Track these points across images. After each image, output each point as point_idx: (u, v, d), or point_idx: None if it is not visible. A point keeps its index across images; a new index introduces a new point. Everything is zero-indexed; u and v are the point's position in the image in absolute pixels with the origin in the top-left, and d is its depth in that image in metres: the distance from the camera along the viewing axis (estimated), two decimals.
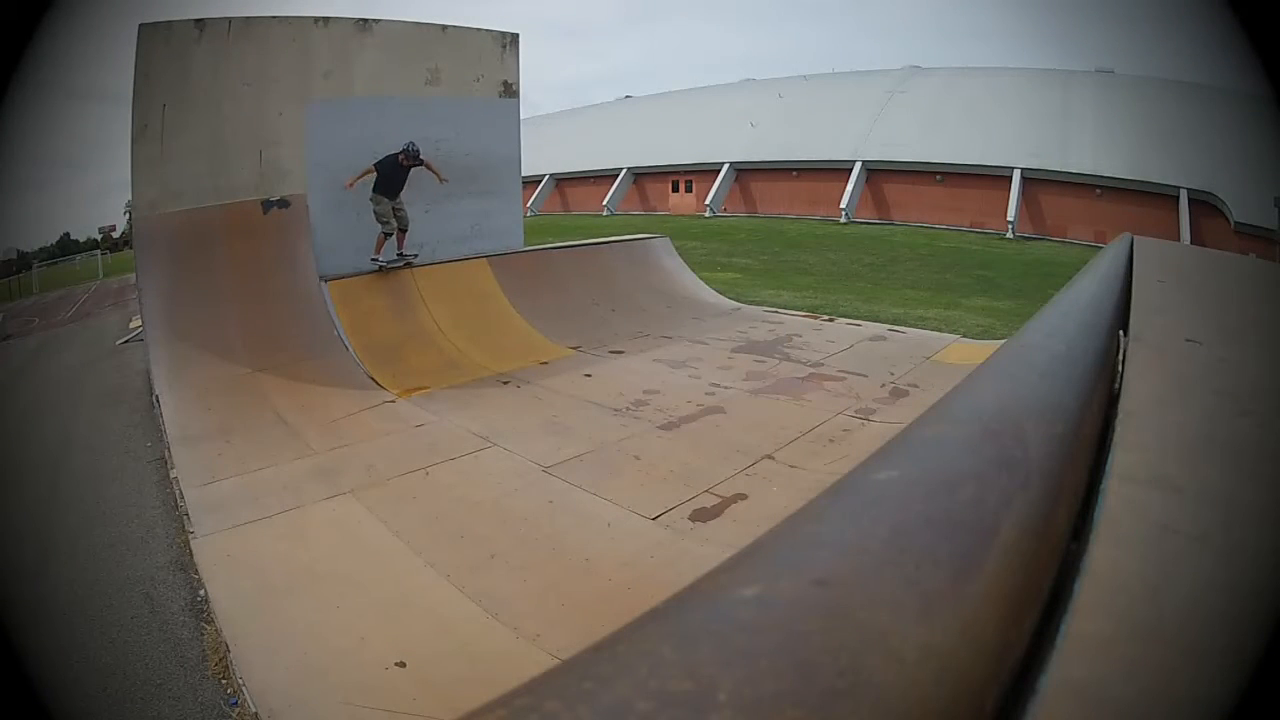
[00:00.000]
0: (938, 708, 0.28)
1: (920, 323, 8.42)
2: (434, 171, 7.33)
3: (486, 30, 8.74)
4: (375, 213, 7.05)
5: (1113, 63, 25.36)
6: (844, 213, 21.90)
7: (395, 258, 7.31)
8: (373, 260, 7.19)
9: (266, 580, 3.02)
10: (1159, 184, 19.32)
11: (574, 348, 6.92)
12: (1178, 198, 18.89)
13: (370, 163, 6.95)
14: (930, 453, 0.52)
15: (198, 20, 6.50)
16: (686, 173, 26.88)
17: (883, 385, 5.56)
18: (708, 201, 24.94)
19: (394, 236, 7.32)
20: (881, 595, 0.33)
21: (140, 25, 6.23)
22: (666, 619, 0.31)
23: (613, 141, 29.40)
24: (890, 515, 0.41)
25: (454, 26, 8.40)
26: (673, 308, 8.58)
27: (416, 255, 7.43)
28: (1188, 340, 1.04)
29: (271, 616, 2.76)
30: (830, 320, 8.36)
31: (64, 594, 3.09)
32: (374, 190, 7.03)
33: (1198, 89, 21.15)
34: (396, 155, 6.97)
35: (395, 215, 7.19)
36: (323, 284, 6.79)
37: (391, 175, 7.05)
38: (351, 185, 6.88)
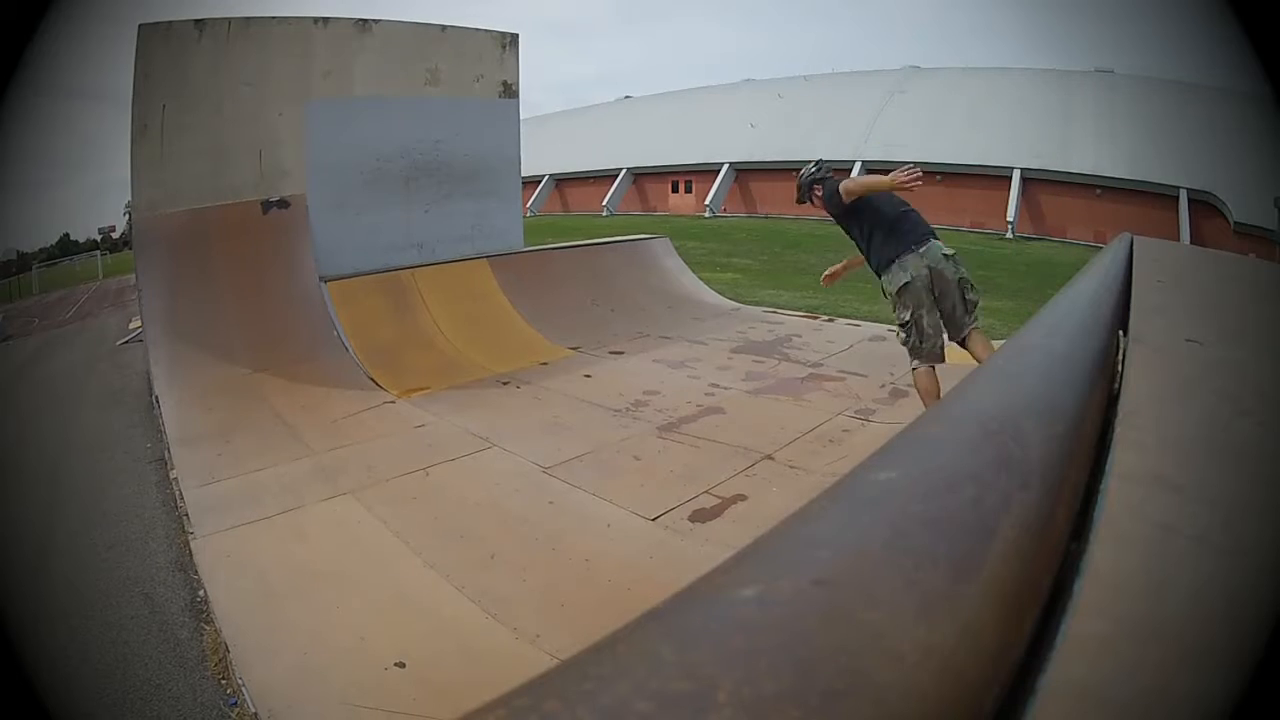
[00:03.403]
0: (938, 708, 0.28)
1: None
2: None
3: (486, 30, 8.74)
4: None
5: (1113, 63, 25.39)
6: None
7: None
8: None
9: (266, 580, 3.02)
10: (1159, 184, 19.34)
11: (574, 348, 6.92)
12: (1178, 198, 18.91)
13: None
14: (930, 453, 0.52)
15: (198, 20, 6.50)
16: (686, 173, 26.90)
17: (882, 385, 5.56)
18: (707, 202, 24.95)
19: None
20: (881, 595, 0.33)
21: (140, 25, 6.23)
22: (666, 619, 0.31)
23: (612, 141, 29.41)
24: (890, 515, 0.41)
25: (453, 27, 8.40)
26: (673, 308, 8.58)
27: None
28: (1188, 340, 1.04)
29: (271, 616, 2.76)
30: (830, 320, 8.36)
31: (64, 594, 3.09)
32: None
33: (1198, 89, 21.16)
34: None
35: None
36: (322, 284, 6.79)
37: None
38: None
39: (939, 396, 3.35)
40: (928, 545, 0.37)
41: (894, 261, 3.29)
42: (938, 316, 3.32)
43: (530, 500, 3.70)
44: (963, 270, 3.31)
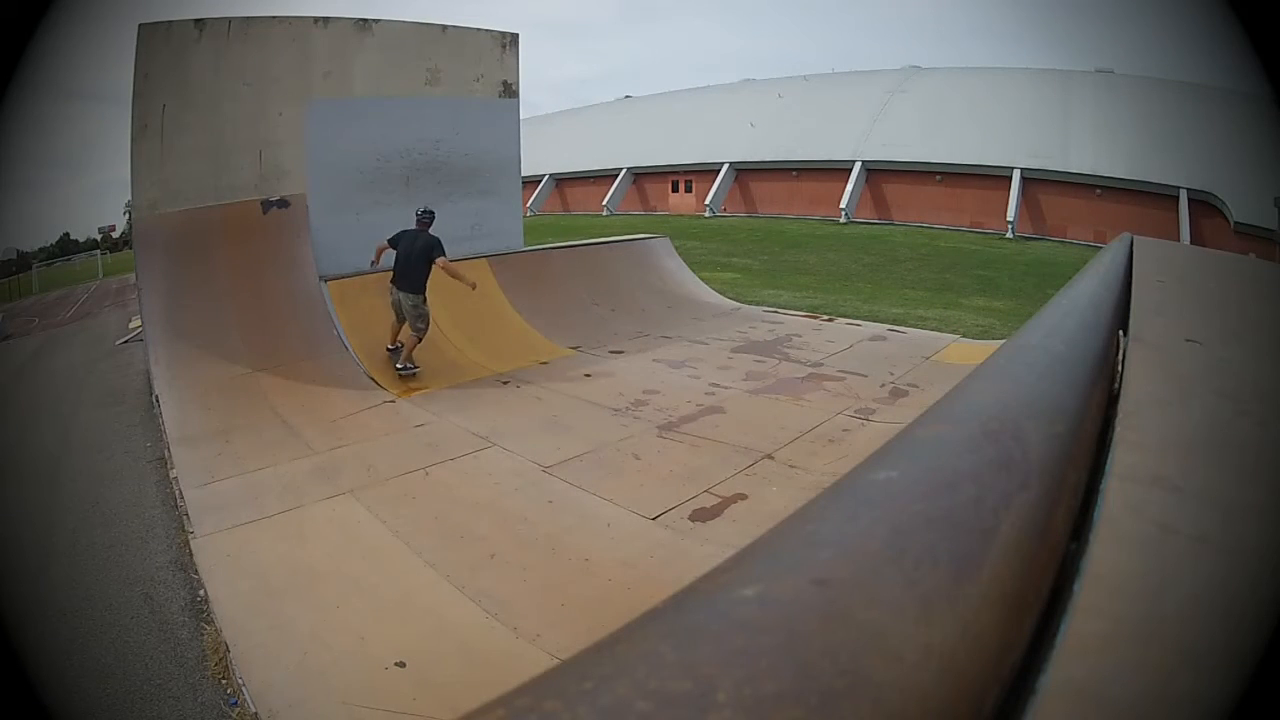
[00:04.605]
0: (938, 708, 0.28)
1: (920, 323, 8.43)
2: (458, 276, 5.84)
3: (486, 30, 8.74)
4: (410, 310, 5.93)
5: (1113, 63, 25.38)
6: (844, 213, 21.90)
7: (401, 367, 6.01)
8: (399, 367, 6.01)
9: (266, 580, 3.02)
10: (1159, 184, 19.31)
11: (574, 348, 6.92)
12: (1178, 198, 18.88)
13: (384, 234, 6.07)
14: (930, 453, 0.52)
15: (198, 20, 6.50)
16: (686, 173, 26.87)
17: (882, 385, 5.56)
18: (708, 201, 24.93)
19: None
20: (881, 595, 0.33)
21: (140, 25, 6.23)
22: (666, 619, 0.31)
23: (613, 141, 29.38)
24: (890, 515, 0.41)
25: (453, 26, 8.40)
26: (673, 308, 8.58)
27: (414, 370, 6.03)
28: (1188, 340, 1.04)
29: (271, 616, 2.76)
30: (830, 320, 8.36)
31: (64, 594, 3.09)
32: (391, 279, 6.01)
33: (1198, 89, 21.14)
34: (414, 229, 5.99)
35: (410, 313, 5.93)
36: (323, 284, 6.79)
37: (406, 257, 5.88)
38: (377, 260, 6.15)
39: (394, 337, 6.22)
40: (928, 545, 0.37)
41: (393, 283, 5.92)
42: (400, 316, 6.01)
43: (530, 500, 3.70)
44: (421, 311, 5.86)
